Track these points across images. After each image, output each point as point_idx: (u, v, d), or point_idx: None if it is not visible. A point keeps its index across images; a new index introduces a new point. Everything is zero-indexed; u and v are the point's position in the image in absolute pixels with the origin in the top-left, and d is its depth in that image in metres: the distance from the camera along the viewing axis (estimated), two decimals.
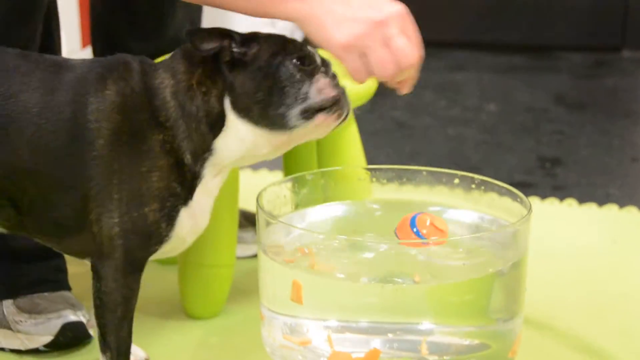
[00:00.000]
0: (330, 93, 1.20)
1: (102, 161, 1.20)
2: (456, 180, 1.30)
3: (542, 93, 3.10)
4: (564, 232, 1.94)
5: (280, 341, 1.20)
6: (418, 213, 1.17)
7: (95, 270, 1.24)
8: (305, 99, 1.19)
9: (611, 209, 2.06)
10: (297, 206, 1.31)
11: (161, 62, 1.25)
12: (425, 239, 1.15)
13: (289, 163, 1.76)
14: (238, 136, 1.22)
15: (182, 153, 1.21)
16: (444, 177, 1.30)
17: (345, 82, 1.51)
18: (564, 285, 1.71)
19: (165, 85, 1.22)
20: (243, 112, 1.20)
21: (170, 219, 1.22)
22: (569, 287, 1.70)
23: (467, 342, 1.16)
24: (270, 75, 1.19)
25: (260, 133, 1.21)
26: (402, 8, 1.17)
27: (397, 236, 1.17)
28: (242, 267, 1.67)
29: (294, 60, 1.19)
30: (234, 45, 1.19)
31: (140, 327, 1.53)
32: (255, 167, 2.29)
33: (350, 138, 1.67)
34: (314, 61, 1.21)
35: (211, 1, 1.20)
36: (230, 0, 1.18)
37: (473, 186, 1.28)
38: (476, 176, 1.28)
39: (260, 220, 1.21)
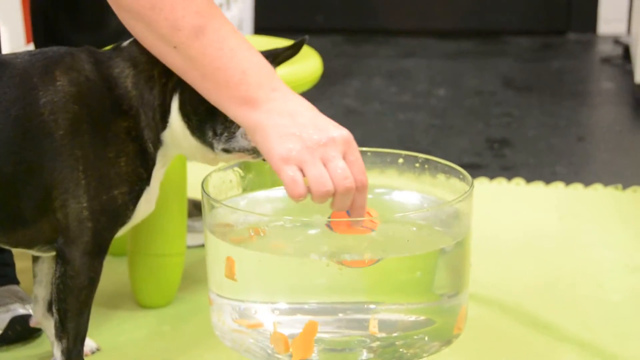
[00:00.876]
0: (250, 145, 1.23)
1: (64, 150, 1.20)
2: (400, 160, 1.31)
3: (490, 77, 3.13)
4: (513, 211, 1.97)
5: (230, 325, 1.21)
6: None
7: (61, 254, 1.24)
8: (230, 138, 1.23)
9: (557, 186, 2.10)
10: (244, 190, 1.32)
11: (116, 50, 1.25)
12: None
13: None
14: (177, 136, 1.25)
15: (144, 141, 1.23)
16: (388, 157, 1.32)
17: (287, 66, 1.52)
18: (512, 262, 1.73)
19: (127, 74, 1.23)
20: (184, 116, 1.23)
21: (135, 201, 1.25)
22: (516, 264, 1.73)
23: (412, 318, 1.18)
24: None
25: (193, 142, 1.25)
26: (347, 134, 1.17)
27: (329, 227, 1.18)
28: (193, 256, 1.67)
29: None
30: None
31: (92, 317, 1.52)
32: None
33: None
34: None
35: (179, 72, 1.19)
36: (194, 80, 1.18)
37: (417, 165, 1.29)
38: (420, 155, 1.29)
39: (206, 204, 1.21)
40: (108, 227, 1.25)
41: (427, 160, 1.28)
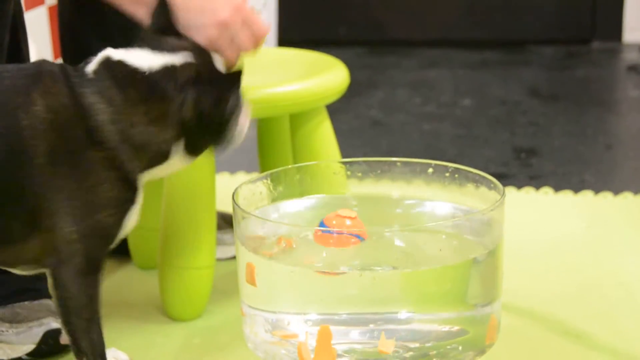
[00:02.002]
0: (246, 125, 1.27)
1: (44, 179, 1.19)
2: (430, 170, 1.31)
3: (515, 86, 3.12)
4: (541, 220, 1.96)
5: (262, 337, 1.21)
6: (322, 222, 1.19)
7: (54, 277, 1.24)
8: (231, 140, 1.26)
9: (586, 195, 2.08)
10: (274, 202, 1.32)
11: (85, 76, 1.22)
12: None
13: (265, 163, 1.77)
14: (174, 165, 1.26)
15: (126, 171, 1.22)
16: (417, 167, 1.32)
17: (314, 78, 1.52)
18: (542, 271, 1.72)
19: (100, 110, 1.20)
20: (191, 153, 1.25)
21: (123, 218, 1.25)
22: (547, 274, 1.72)
23: (446, 328, 1.17)
24: (220, 127, 1.24)
25: (191, 159, 1.26)
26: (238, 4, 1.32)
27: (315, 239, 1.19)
28: (223, 269, 1.67)
29: (235, 112, 1.24)
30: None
31: (122, 331, 1.54)
32: (232, 169, 2.30)
33: (325, 135, 1.68)
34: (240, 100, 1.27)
35: None
36: None
37: (447, 175, 1.29)
38: (450, 164, 1.29)
39: (237, 216, 1.22)
40: (99, 246, 1.24)
41: (456, 169, 1.28)
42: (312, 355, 1.15)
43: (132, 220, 1.27)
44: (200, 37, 1.30)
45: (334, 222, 1.18)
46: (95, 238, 1.22)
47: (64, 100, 1.19)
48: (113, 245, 1.27)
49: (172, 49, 1.24)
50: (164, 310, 1.58)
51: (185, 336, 1.52)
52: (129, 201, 1.24)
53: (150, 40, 1.25)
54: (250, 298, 1.23)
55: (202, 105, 1.21)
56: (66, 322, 1.25)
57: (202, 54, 1.25)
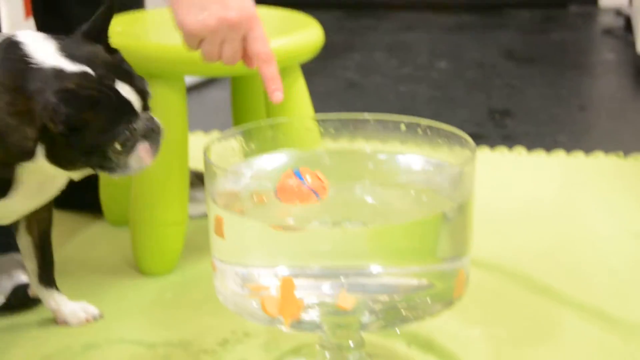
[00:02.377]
0: (148, 161, 1.24)
1: None
2: (402, 127, 1.31)
3: (491, 49, 3.12)
4: (514, 179, 1.97)
5: (233, 289, 1.21)
6: (297, 170, 1.18)
7: None
8: (125, 167, 1.22)
9: (558, 154, 2.10)
10: (247, 158, 1.32)
11: None
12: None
13: (239, 122, 1.77)
14: (47, 168, 1.21)
15: None
16: (390, 123, 1.31)
17: (288, 36, 1.51)
18: (514, 229, 1.74)
19: None
20: (57, 164, 1.20)
21: None
22: (518, 231, 1.73)
23: (415, 282, 1.18)
24: (93, 152, 1.19)
25: (66, 173, 1.23)
26: (250, 12, 1.28)
27: (277, 195, 1.18)
28: (195, 226, 1.67)
29: (117, 144, 1.20)
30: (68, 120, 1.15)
31: (94, 285, 1.54)
32: (206, 128, 2.29)
33: (299, 93, 1.68)
34: (136, 130, 1.21)
35: None
36: None
37: (419, 131, 1.29)
38: (422, 121, 1.29)
39: (208, 171, 1.21)
40: None
41: (429, 126, 1.28)
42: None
43: (21, 202, 1.24)
44: (196, 25, 1.26)
45: (292, 180, 1.18)
46: None
47: None
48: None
49: (78, 57, 1.18)
50: (135, 266, 1.59)
51: (157, 291, 1.52)
52: None
53: (70, 41, 1.21)
54: (221, 252, 1.23)
55: (72, 121, 1.15)
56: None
57: (106, 77, 1.19)
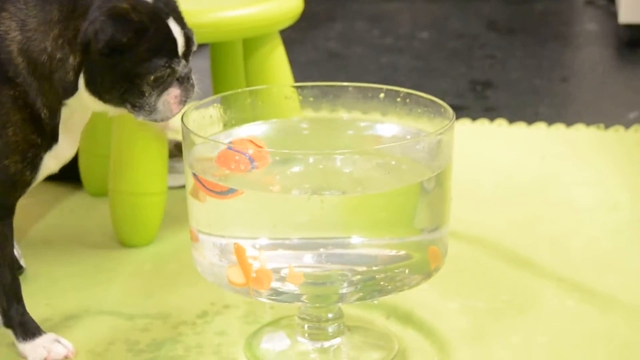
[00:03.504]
0: (175, 110, 1.21)
1: None
2: (382, 95, 1.30)
3: (473, 20, 3.11)
4: (495, 151, 1.97)
5: (211, 260, 1.21)
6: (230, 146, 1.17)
7: None
8: (151, 111, 1.20)
9: (540, 126, 2.10)
10: (225, 126, 1.31)
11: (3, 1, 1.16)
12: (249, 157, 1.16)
13: (219, 90, 1.76)
14: (87, 102, 1.20)
15: (37, 109, 1.18)
16: (369, 91, 1.31)
17: (267, 2, 1.50)
18: (495, 201, 1.74)
19: (12, 38, 1.16)
20: (95, 94, 1.18)
21: (33, 166, 1.21)
22: (498, 202, 1.73)
23: (392, 252, 1.18)
24: (129, 80, 1.17)
25: (106, 106, 1.21)
26: None
27: (215, 161, 1.18)
28: (174, 197, 1.66)
29: (153, 78, 1.17)
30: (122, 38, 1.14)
31: (73, 256, 1.53)
32: None
33: (278, 61, 1.66)
34: (175, 71, 1.19)
35: None
36: None
37: (398, 99, 1.28)
38: (401, 89, 1.28)
39: (186, 139, 1.20)
40: (6, 193, 1.21)
41: (408, 94, 1.28)
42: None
43: (50, 164, 1.23)
44: None
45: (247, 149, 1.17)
46: (1, 185, 1.20)
47: None
48: (25, 191, 1.24)
49: None
50: (115, 237, 1.58)
51: (136, 262, 1.51)
52: (36, 146, 1.20)
53: None
54: (200, 223, 1.23)
55: (115, 42, 1.13)
56: None
57: (162, 10, 1.17)
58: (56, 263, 1.50)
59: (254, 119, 1.32)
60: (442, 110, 1.23)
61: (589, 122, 2.11)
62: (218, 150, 1.17)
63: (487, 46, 2.83)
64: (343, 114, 1.34)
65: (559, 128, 2.08)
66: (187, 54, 1.21)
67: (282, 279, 1.15)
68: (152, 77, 1.18)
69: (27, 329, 1.26)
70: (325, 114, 1.35)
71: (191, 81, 1.23)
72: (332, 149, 1.26)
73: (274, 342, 1.31)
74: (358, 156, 1.20)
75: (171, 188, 1.69)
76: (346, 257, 1.17)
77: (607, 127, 2.07)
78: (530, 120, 2.14)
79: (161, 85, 1.19)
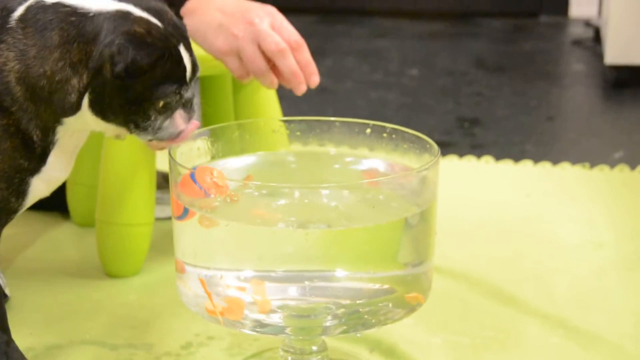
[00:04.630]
0: (179, 126, 1.21)
1: None
2: (368, 130, 1.31)
3: (462, 58, 3.14)
4: (482, 188, 1.98)
5: (195, 291, 1.21)
6: (194, 168, 1.18)
7: None
8: (158, 129, 1.20)
9: (526, 164, 2.11)
10: (213, 158, 1.32)
11: (5, 24, 1.15)
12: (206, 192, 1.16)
13: (206, 120, 1.77)
14: (88, 121, 1.19)
15: (29, 133, 1.17)
16: (356, 126, 1.32)
17: None
18: (480, 236, 1.75)
19: (10, 68, 1.14)
20: (99, 114, 1.17)
21: (19, 192, 1.19)
22: (484, 239, 1.74)
23: (376, 286, 1.18)
24: (138, 104, 1.16)
25: (108, 126, 1.19)
26: (269, 8, 1.38)
27: (178, 188, 1.19)
28: (162, 228, 1.67)
29: (162, 103, 1.17)
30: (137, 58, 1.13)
31: (59, 286, 1.53)
32: None
33: (267, 94, 1.68)
34: (182, 97, 1.20)
35: None
36: None
37: (384, 135, 1.29)
38: (387, 125, 1.29)
39: (173, 171, 1.21)
40: None
41: (394, 130, 1.29)
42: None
43: (40, 187, 1.21)
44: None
45: (207, 179, 1.18)
46: None
47: None
48: (12, 217, 1.22)
49: (146, 7, 1.16)
50: (101, 267, 1.58)
51: (122, 293, 1.51)
52: (25, 171, 1.18)
53: None
54: (185, 255, 1.23)
55: (134, 66, 1.12)
56: None
57: (172, 35, 1.16)
58: (41, 293, 1.50)
59: (242, 152, 1.33)
60: (428, 146, 1.24)
61: (574, 161, 2.13)
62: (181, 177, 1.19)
63: (475, 84, 2.86)
64: (331, 149, 1.35)
65: (545, 166, 2.10)
66: (191, 80, 1.22)
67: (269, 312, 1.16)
68: (161, 103, 1.18)
69: (12, 358, 1.26)
70: (313, 148, 1.37)
71: (192, 106, 1.24)
72: (317, 183, 1.26)
73: None
74: (343, 190, 1.21)
75: (158, 219, 1.69)
76: (330, 290, 1.18)
77: (592, 166, 2.09)
78: (516, 158, 2.16)
79: (169, 110, 1.19)
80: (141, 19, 1.15)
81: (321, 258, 1.17)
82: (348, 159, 1.33)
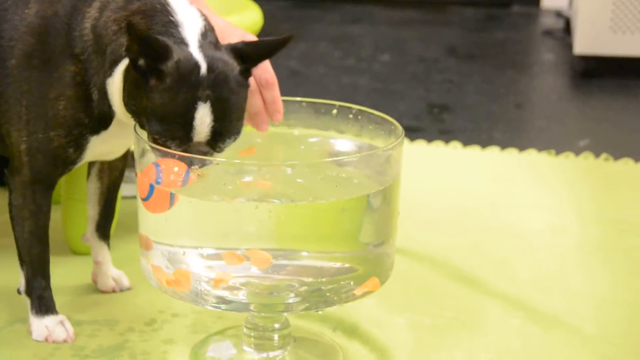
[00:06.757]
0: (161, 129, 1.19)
1: (13, 80, 1.21)
2: (334, 111, 1.32)
3: (434, 45, 3.15)
4: (448, 173, 2.00)
5: (156, 265, 1.21)
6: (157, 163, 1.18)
7: (7, 182, 1.27)
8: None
9: (493, 150, 2.13)
10: None
11: None
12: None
13: None
14: (114, 91, 1.21)
15: (89, 87, 1.21)
16: (322, 107, 1.33)
17: (225, 18, 1.52)
18: (446, 220, 1.77)
19: (90, 16, 1.21)
20: (122, 87, 1.19)
21: (78, 145, 1.24)
22: (450, 222, 1.76)
23: (337, 265, 1.19)
24: (136, 109, 1.17)
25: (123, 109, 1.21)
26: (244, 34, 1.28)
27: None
28: (128, 206, 1.67)
29: (152, 139, 1.18)
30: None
31: None
32: None
33: None
34: (170, 148, 1.18)
35: None
36: None
37: (350, 116, 1.31)
38: (353, 106, 1.30)
39: (138, 147, 1.22)
40: (46, 165, 1.25)
41: (360, 111, 1.30)
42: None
43: (99, 147, 1.25)
44: None
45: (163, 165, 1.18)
46: (41, 155, 1.23)
47: (60, 9, 1.20)
48: (69, 169, 1.27)
49: (207, 50, 1.15)
50: (66, 244, 1.58)
51: (87, 270, 1.51)
52: (83, 126, 1.22)
53: (214, 36, 1.18)
54: (148, 230, 1.24)
55: (154, 72, 1.12)
56: (13, 228, 1.29)
57: (202, 87, 1.14)
58: (8, 268, 1.49)
59: None
60: (393, 127, 1.25)
61: (540, 148, 2.15)
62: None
63: (446, 71, 2.88)
64: (298, 130, 1.36)
65: (512, 153, 2.12)
66: (211, 146, 1.20)
67: (230, 288, 1.17)
68: (150, 135, 1.17)
69: (42, 305, 1.32)
70: (281, 130, 1.37)
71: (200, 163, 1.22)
72: (283, 161, 1.27)
73: (220, 351, 1.32)
74: (307, 168, 1.22)
75: (125, 198, 1.69)
76: (293, 268, 1.19)
77: (558, 153, 2.11)
78: (484, 144, 2.18)
79: (157, 142, 1.17)
80: (189, 56, 1.13)
81: (284, 236, 1.18)
82: (314, 139, 1.34)
